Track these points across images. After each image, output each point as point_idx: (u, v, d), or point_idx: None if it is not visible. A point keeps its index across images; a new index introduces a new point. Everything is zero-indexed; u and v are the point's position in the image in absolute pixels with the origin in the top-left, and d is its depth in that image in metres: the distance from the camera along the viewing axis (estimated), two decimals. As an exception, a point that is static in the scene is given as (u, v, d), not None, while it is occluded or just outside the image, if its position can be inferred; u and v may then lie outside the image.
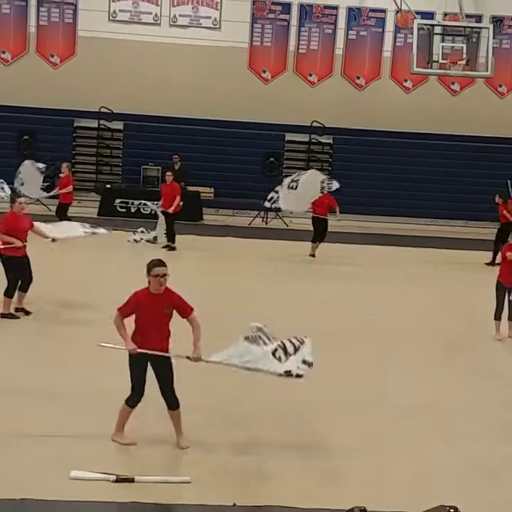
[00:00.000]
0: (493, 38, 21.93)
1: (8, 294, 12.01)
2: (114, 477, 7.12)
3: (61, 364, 10.12)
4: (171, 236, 19.19)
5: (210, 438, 8.06)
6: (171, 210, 19.09)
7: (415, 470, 7.75)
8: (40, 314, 12.14)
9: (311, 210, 19.29)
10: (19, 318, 12.03)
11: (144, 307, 7.76)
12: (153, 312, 7.76)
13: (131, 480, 7.12)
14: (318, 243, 19.38)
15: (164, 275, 7.77)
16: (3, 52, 26.54)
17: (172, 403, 7.93)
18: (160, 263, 7.85)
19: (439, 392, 9.97)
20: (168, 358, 7.88)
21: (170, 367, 7.91)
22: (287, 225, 24.51)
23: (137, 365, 7.85)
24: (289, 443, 8.13)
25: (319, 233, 19.37)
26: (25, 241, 12.11)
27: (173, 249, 18.88)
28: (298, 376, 7.66)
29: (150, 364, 7.88)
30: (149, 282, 7.82)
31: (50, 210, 22.41)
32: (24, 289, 12.23)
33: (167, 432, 7.97)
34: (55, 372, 9.75)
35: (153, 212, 20.50)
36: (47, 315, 12.33)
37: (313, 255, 19.27)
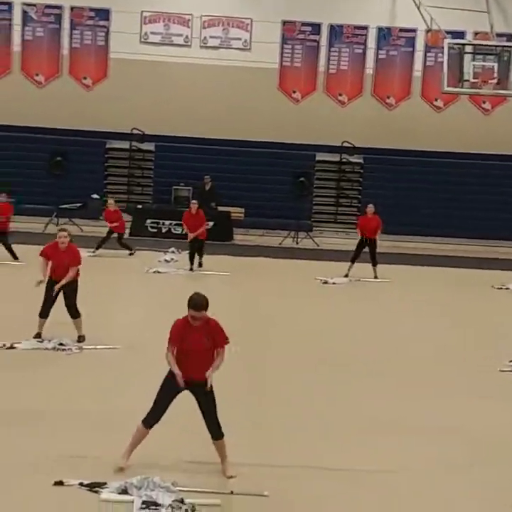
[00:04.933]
0: (524, 56, 21.86)
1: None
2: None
3: (90, 387, 10.16)
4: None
5: (238, 459, 8.03)
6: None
7: (442, 494, 7.68)
8: (70, 336, 12.14)
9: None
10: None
11: (184, 336, 7.67)
12: (194, 343, 7.68)
13: (159, 504, 7.10)
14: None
15: (200, 318, 7.59)
16: (37, 75, 26.90)
17: (216, 433, 7.79)
18: (197, 299, 7.63)
19: (461, 417, 9.82)
20: (212, 387, 7.75)
21: (213, 397, 7.80)
22: (318, 245, 24.51)
23: (170, 387, 7.75)
24: (316, 465, 8.07)
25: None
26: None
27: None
28: None
29: (193, 394, 7.78)
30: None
31: (82, 230, 22.60)
32: (41, 314, 12.08)
33: (198, 450, 7.96)
34: (84, 395, 9.80)
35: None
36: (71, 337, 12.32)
37: (347, 275, 19.06)
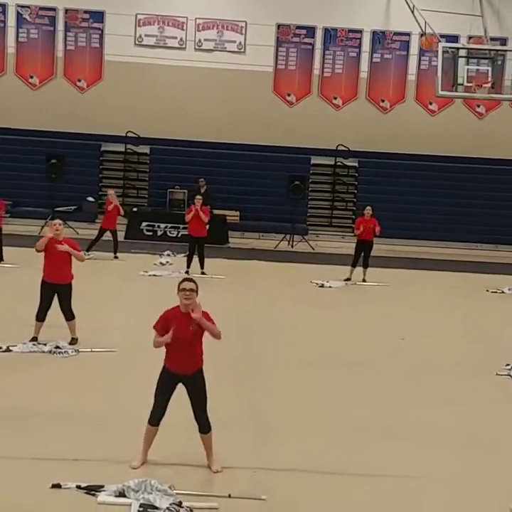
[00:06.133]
0: (518, 60, 21.95)
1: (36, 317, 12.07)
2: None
3: (87, 390, 10.16)
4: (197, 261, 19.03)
5: (235, 463, 8.05)
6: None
7: (447, 498, 7.69)
8: (67, 339, 12.12)
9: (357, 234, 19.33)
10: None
11: (173, 324, 7.78)
12: (182, 331, 7.78)
13: (157, 507, 7.10)
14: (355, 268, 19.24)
15: (190, 290, 7.78)
16: (31, 77, 26.85)
17: (205, 427, 7.95)
18: (188, 279, 7.98)
19: (458, 421, 9.84)
20: (203, 380, 7.93)
21: (204, 389, 7.95)
22: (313, 249, 24.52)
23: (165, 382, 7.90)
24: (314, 468, 8.09)
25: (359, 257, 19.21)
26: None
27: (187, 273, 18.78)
28: None
29: (184, 386, 7.91)
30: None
31: (78, 233, 22.56)
32: (38, 317, 12.01)
33: (195, 453, 7.98)
34: (80, 397, 9.81)
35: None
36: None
37: (349, 279, 19.13)
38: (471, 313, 16.64)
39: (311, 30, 27.03)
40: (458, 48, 21.92)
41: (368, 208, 19.46)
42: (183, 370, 7.85)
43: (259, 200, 26.14)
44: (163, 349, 7.90)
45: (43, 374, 10.75)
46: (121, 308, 14.91)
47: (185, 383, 7.91)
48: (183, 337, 7.78)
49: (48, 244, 11.90)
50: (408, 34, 26.76)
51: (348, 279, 19.05)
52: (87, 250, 19.98)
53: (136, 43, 26.85)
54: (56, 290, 11.96)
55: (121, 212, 21.00)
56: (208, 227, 19.21)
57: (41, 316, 11.97)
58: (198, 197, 19.44)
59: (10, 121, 25.83)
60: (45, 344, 11.73)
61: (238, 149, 26.37)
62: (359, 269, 19.06)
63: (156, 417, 7.92)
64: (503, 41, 25.89)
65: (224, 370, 10.88)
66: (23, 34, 26.75)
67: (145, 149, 26.87)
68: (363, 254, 19.14)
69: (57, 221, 12.15)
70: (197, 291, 7.85)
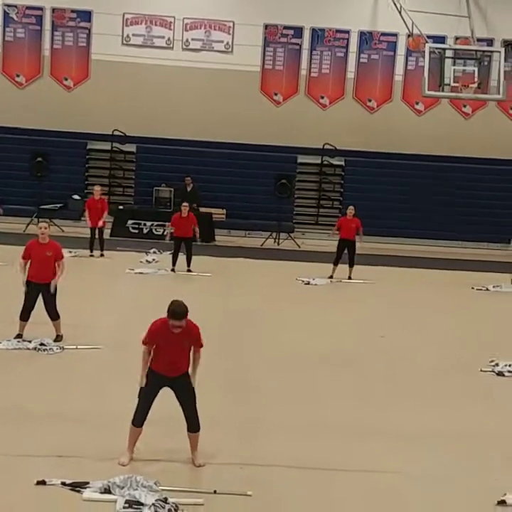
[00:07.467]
0: (505, 61, 22.04)
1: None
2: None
3: (72, 387, 10.14)
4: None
5: (221, 459, 8.06)
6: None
7: (431, 494, 7.72)
8: (52, 336, 12.09)
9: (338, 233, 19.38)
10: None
11: (161, 338, 7.78)
12: (170, 342, 7.78)
13: (142, 503, 7.09)
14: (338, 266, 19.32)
15: (179, 327, 7.70)
16: (18, 76, 26.77)
17: (194, 426, 7.95)
18: (175, 315, 7.68)
19: (443, 418, 9.85)
20: (190, 380, 7.93)
21: (192, 390, 7.94)
22: (299, 246, 24.56)
23: (151, 385, 7.88)
24: (300, 464, 8.09)
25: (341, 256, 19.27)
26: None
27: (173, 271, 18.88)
28: None
29: (171, 389, 7.90)
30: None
31: (64, 231, 22.52)
32: (22, 317, 11.98)
33: (181, 450, 7.99)
34: (65, 393, 9.79)
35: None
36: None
37: (331, 276, 19.18)
38: (457, 310, 16.71)
39: (298, 31, 27.05)
40: (445, 49, 22.03)
41: (351, 207, 19.56)
42: (170, 373, 7.84)
43: (246, 199, 26.14)
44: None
45: (27, 371, 10.72)
46: (106, 305, 14.89)
47: (172, 386, 7.90)
48: (171, 348, 7.79)
49: (33, 247, 11.93)
50: (395, 35, 26.82)
51: (331, 277, 19.11)
52: (91, 249, 20.12)
53: (124, 42, 26.80)
54: (41, 290, 11.93)
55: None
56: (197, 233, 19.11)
57: (25, 316, 11.93)
58: (185, 204, 19.06)
59: (-4, 119, 25.77)
60: (30, 341, 11.70)
61: (225, 148, 26.38)
62: (344, 267, 19.11)
63: (139, 419, 7.90)
64: (490, 42, 25.98)
65: (210, 367, 10.87)
66: (9, 33, 26.67)
67: (131, 148, 26.83)
68: (347, 253, 19.22)
69: (43, 224, 12.12)
70: (187, 315, 7.73)
